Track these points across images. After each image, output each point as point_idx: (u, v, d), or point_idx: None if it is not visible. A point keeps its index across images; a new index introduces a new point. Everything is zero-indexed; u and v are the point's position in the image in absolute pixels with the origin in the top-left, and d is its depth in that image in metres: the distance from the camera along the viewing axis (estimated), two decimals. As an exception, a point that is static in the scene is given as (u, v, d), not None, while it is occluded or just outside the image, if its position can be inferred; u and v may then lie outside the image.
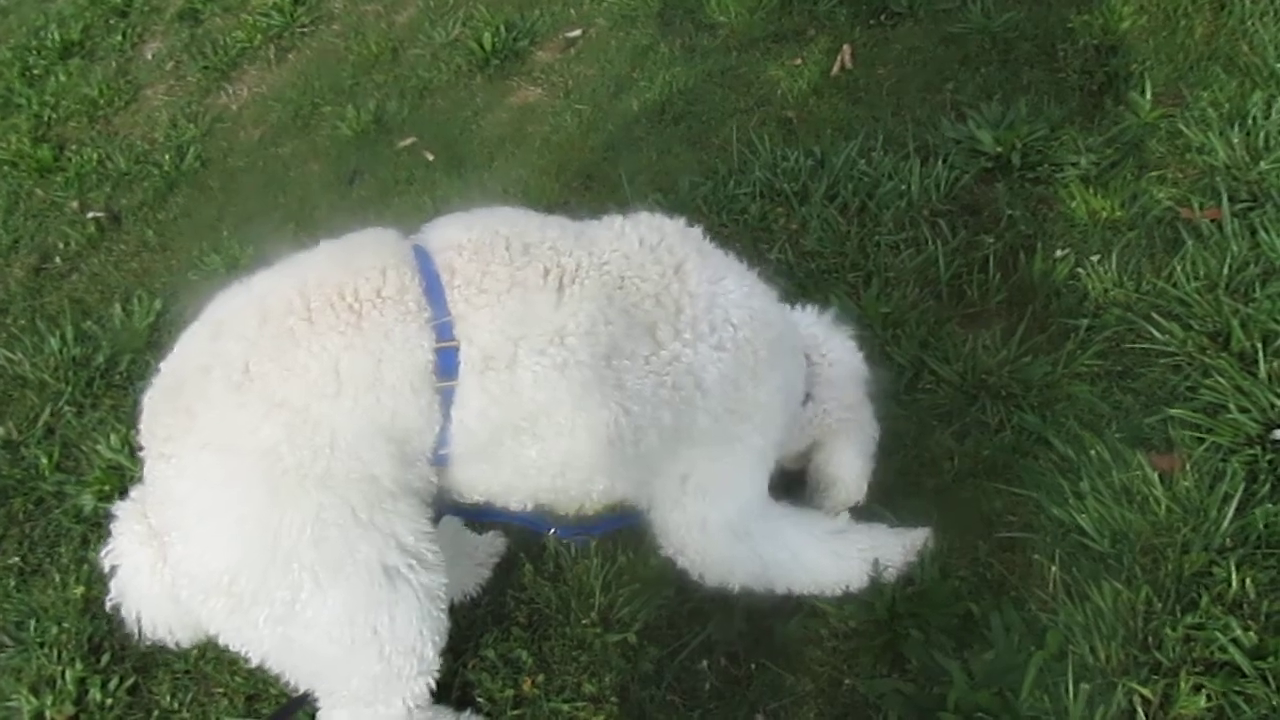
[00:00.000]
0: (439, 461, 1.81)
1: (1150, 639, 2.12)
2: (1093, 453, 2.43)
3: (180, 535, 1.70)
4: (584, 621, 2.42)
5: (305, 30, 4.67)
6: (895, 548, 2.32)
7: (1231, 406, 2.43)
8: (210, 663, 2.58)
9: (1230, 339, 2.55)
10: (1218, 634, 2.06)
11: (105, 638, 2.74)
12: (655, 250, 1.89)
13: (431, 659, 1.92)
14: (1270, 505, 2.24)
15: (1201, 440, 2.40)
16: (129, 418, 3.31)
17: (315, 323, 1.66)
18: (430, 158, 3.83)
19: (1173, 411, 2.46)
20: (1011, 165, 3.10)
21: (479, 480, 1.89)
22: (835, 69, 3.57)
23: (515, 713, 2.29)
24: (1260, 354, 2.48)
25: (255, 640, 1.77)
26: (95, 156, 4.49)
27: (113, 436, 3.21)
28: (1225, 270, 2.68)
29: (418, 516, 1.83)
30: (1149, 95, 3.19)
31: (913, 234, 2.99)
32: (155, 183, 4.21)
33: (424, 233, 1.87)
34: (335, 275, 1.70)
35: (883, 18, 3.71)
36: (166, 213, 4.08)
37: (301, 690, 1.97)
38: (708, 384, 1.88)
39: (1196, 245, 2.77)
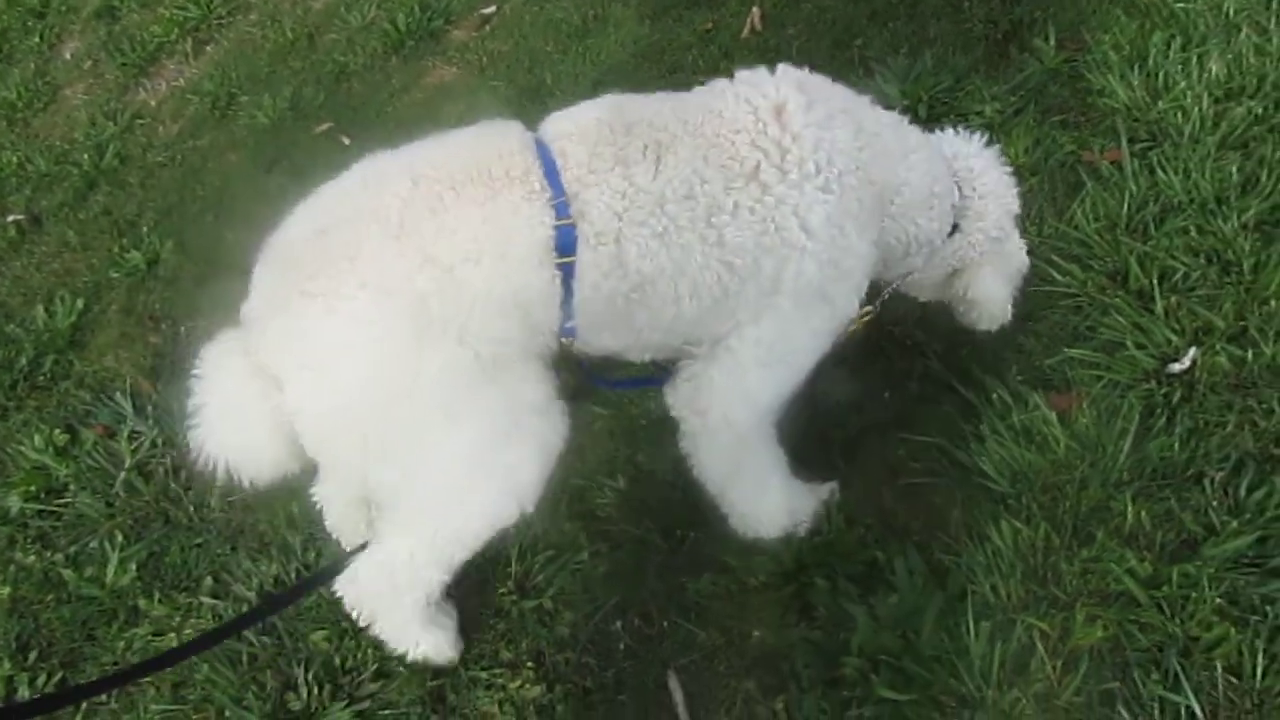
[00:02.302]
0: (567, 334, 1.97)
1: (1049, 574, 2.17)
2: (994, 396, 2.47)
3: (318, 370, 1.80)
4: (500, 590, 2.44)
5: (222, 21, 4.64)
6: (809, 501, 2.38)
7: (1129, 343, 2.48)
8: (136, 654, 2.59)
9: (1128, 278, 2.60)
10: (1113, 565, 2.10)
11: (33, 635, 2.74)
12: (750, 100, 1.99)
13: (529, 509, 2.06)
14: (1165, 438, 2.28)
15: (1100, 378, 2.45)
16: (53, 418, 3.31)
17: (460, 193, 1.81)
18: (347, 142, 3.82)
19: (1071, 351, 2.50)
20: (919, 116, 3.13)
21: (606, 342, 2.06)
22: (745, 32, 3.59)
23: (434, 682, 2.32)
24: (1156, 291, 2.53)
25: (377, 472, 1.91)
26: (14, 160, 4.45)
27: (37, 437, 3.20)
28: (1124, 210, 2.73)
29: (542, 378, 1.98)
30: (1052, 41, 3.23)
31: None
32: (75, 182, 4.19)
33: (540, 126, 2.03)
34: (475, 153, 1.87)
35: (788, -18, 3.72)
36: (87, 211, 4.06)
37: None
38: (814, 225, 1.95)
39: (1096, 187, 2.81)
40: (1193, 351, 2.41)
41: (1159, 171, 2.77)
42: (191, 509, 2.91)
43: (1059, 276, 2.65)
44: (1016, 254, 2.47)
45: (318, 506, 2.52)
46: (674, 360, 2.20)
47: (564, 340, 1.99)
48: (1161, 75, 3.00)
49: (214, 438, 1.92)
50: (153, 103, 4.47)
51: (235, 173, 3.94)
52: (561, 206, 1.85)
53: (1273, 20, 3.05)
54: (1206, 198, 2.68)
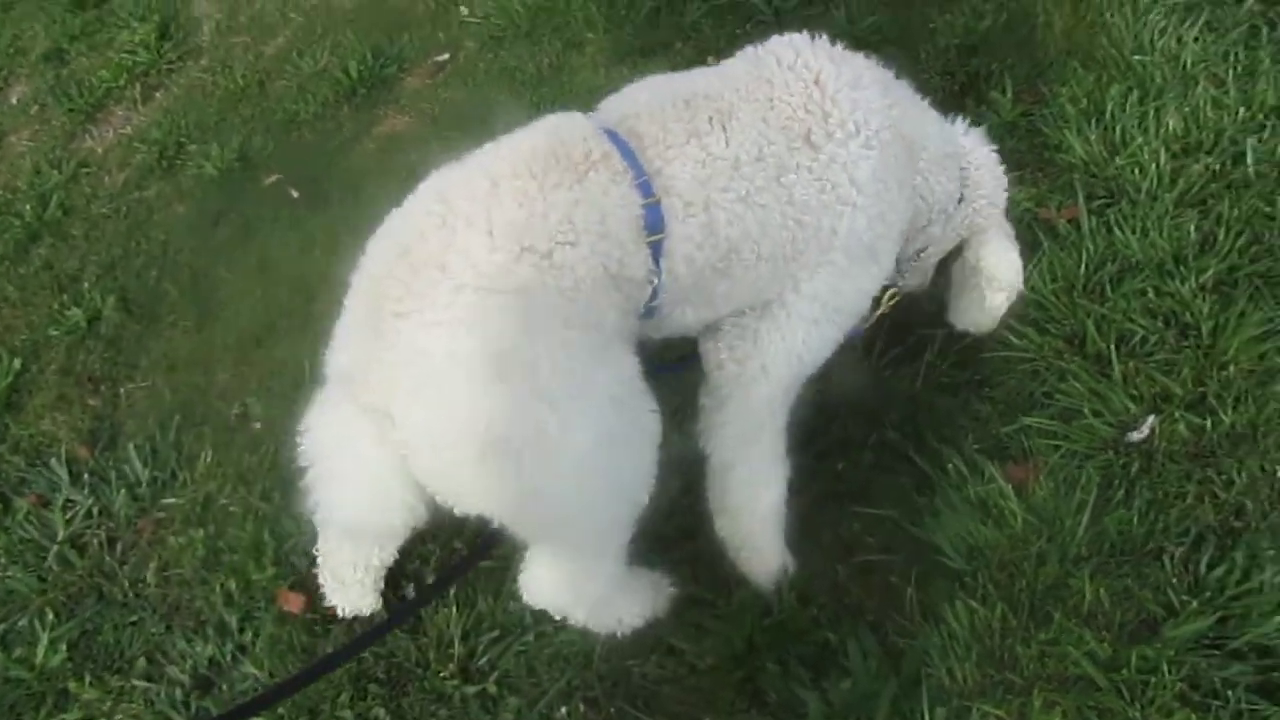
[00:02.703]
0: (648, 314, 1.99)
1: (1005, 657, 2.12)
2: (950, 467, 2.43)
3: (428, 390, 1.75)
4: (442, 674, 2.37)
5: (172, 67, 4.57)
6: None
7: (1086, 411, 2.44)
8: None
9: (1085, 341, 2.57)
10: (1071, 648, 2.06)
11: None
12: (794, 67, 2.04)
13: (642, 510, 2.05)
14: (1123, 512, 2.24)
15: (1057, 447, 2.41)
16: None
17: (542, 181, 1.80)
18: (295, 195, 3.75)
19: (1028, 420, 2.46)
20: (874, 172, 3.09)
21: (687, 319, 2.08)
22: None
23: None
24: (1114, 355, 2.50)
25: (500, 490, 1.83)
26: (-44, 211, 4.36)
27: (-30, 497, 3.11)
28: (1081, 270, 2.70)
29: (634, 359, 1.97)
30: (1009, 94, 3.21)
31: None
32: (16, 234, 4.09)
33: (594, 115, 2.03)
34: (548, 144, 1.85)
35: (748, 26, 3.70)
36: (28, 265, 3.96)
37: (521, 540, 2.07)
38: (861, 180, 2.02)
39: (1053, 246, 2.78)
40: (1151, 419, 2.38)
41: (1116, 230, 2.74)
42: (127, 584, 2.82)
43: (1015, 340, 2.61)
44: (1009, 230, 2.52)
45: (262, 584, 2.44)
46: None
47: (639, 321, 2.00)
48: (1119, 130, 2.98)
49: (340, 502, 1.92)
50: (99, 150, 4.39)
51: (181, 225, 3.86)
52: (645, 185, 1.87)
53: (1230, 73, 3.04)
54: (1164, 257, 2.65)
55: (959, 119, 2.46)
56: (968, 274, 2.51)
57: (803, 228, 2.01)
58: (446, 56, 4.10)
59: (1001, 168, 2.46)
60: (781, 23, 3.68)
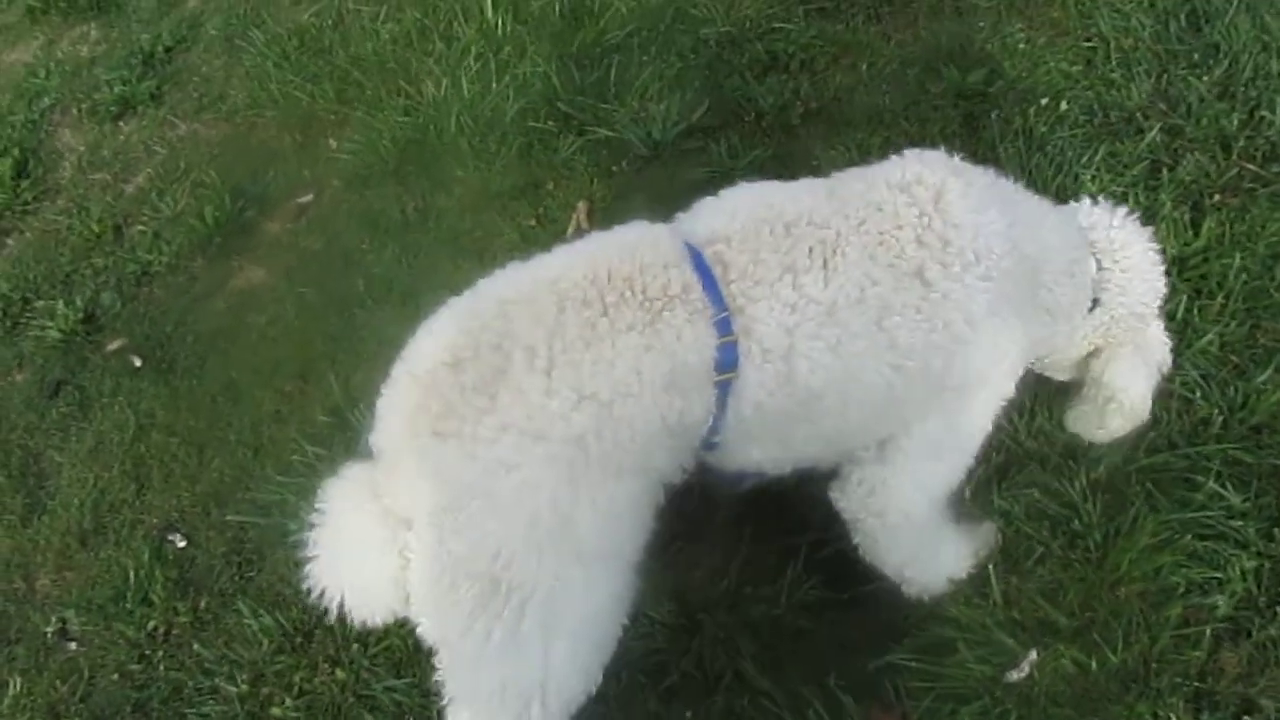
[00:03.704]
0: (707, 448, 1.90)
1: None
2: (810, 712, 2.18)
3: (456, 515, 1.67)
4: None
5: (28, 209, 4.34)
6: (972, 544, 2.32)
7: (961, 645, 2.20)
8: None
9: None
10: None
11: None
12: (909, 189, 1.91)
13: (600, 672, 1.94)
14: (998, 776, 2.00)
15: (929, 689, 2.17)
16: None
17: (613, 319, 1.71)
18: (138, 364, 3.52)
19: (896, 657, 2.22)
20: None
21: (755, 457, 1.97)
22: (570, 229, 3.34)
23: None
24: (993, 576, 2.26)
25: (482, 632, 1.73)
26: None
27: None
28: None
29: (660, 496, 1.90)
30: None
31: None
32: None
33: (685, 223, 1.94)
34: (624, 269, 1.76)
35: (624, 163, 3.50)
36: None
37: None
38: (977, 316, 1.89)
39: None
40: (1032, 655, 2.15)
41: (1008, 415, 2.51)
42: None
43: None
44: (1159, 344, 2.30)
45: None
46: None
47: (702, 453, 1.93)
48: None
49: (334, 574, 1.82)
50: (-57, 307, 4.14)
51: (18, 398, 3.61)
52: (724, 323, 1.77)
53: (1129, 217, 2.84)
54: (1052, 451, 2.43)
55: (1116, 208, 2.23)
56: (1090, 382, 2.31)
57: (902, 373, 1.88)
58: (310, 197, 3.89)
59: (1160, 268, 2.22)
60: (660, 157, 3.48)
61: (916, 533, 2.14)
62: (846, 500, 2.14)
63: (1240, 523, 2.26)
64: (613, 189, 3.44)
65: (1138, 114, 3.11)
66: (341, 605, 1.82)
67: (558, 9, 4.10)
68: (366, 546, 1.78)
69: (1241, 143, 2.96)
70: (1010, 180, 2.12)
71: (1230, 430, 2.41)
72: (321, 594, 1.83)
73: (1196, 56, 3.24)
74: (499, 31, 4.08)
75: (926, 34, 3.63)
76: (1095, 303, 2.18)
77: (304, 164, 4.03)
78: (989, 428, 2.11)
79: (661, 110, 3.58)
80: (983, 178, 2.00)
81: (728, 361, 1.77)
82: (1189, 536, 2.25)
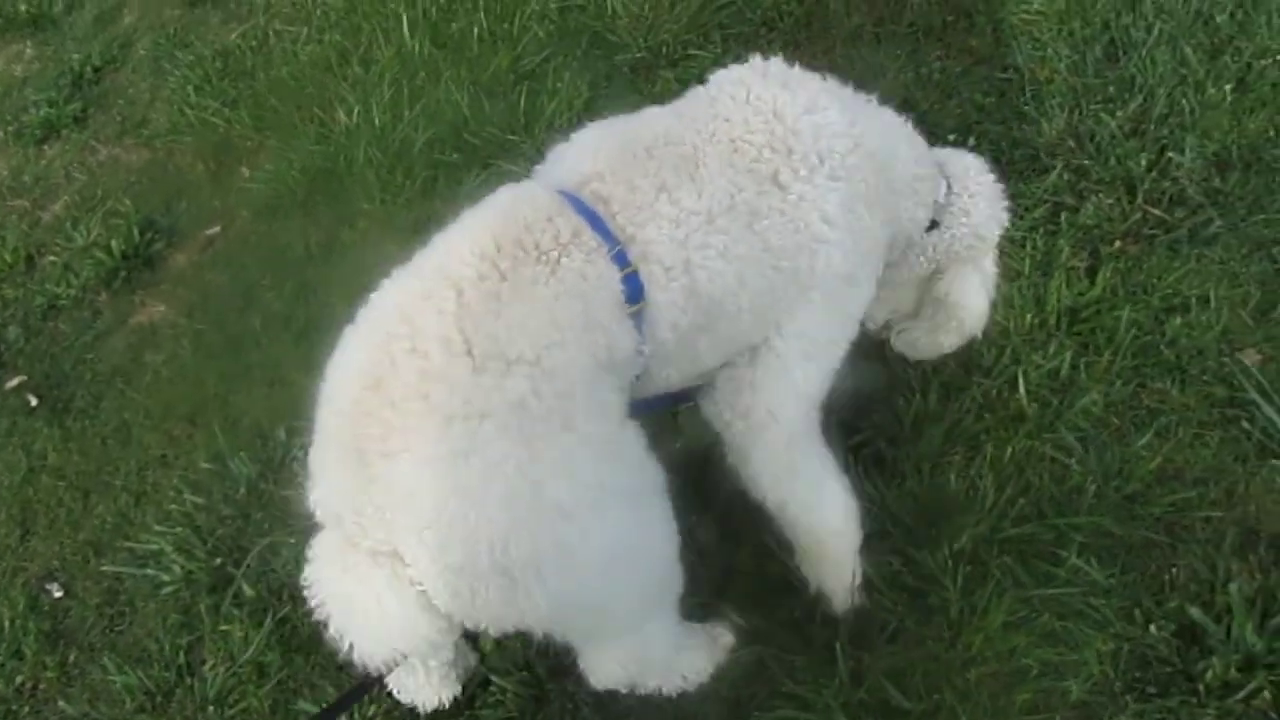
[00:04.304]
0: (636, 379, 1.93)
1: None
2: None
3: (437, 527, 1.65)
4: None
5: (-55, 235, 4.34)
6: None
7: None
8: None
9: (814, 620, 2.27)
10: None
11: None
12: (750, 101, 1.97)
13: (677, 567, 1.96)
14: None
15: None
16: None
17: (514, 281, 1.72)
18: (34, 403, 3.50)
19: (735, 740, 2.17)
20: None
21: (662, 381, 2.00)
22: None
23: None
24: (840, 654, 2.20)
25: (530, 609, 1.74)
26: None
27: None
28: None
29: (638, 437, 1.88)
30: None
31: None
32: None
33: (549, 172, 1.99)
34: (508, 233, 1.78)
35: (527, 198, 3.43)
36: None
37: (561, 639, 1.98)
38: (832, 214, 1.95)
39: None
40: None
41: (869, 480, 2.44)
42: None
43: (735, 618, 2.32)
44: (991, 270, 2.42)
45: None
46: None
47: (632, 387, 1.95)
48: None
49: (365, 640, 1.78)
50: None
51: (-84, 435, 3.60)
52: (620, 256, 1.80)
53: (1027, 263, 2.77)
54: (916, 519, 2.36)
55: (961, 149, 2.39)
56: (928, 302, 2.42)
57: (780, 272, 1.94)
58: (218, 229, 3.86)
59: (1004, 200, 2.35)
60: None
61: (787, 440, 2.10)
62: (714, 404, 2.13)
63: (1102, 600, 2.19)
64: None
65: (1044, 153, 3.03)
66: (391, 664, 1.81)
67: (476, 32, 4.05)
68: (378, 597, 1.74)
69: (1147, 185, 2.87)
70: (846, 87, 2.15)
71: (1103, 499, 2.34)
72: (367, 666, 1.80)
73: (1112, 90, 3.15)
74: (416, 54, 4.04)
75: (843, 61, 3.55)
76: (934, 224, 2.28)
77: (216, 193, 4.00)
78: (854, 330, 2.16)
79: (569, 142, 3.52)
80: (813, 82, 2.06)
81: (635, 293, 1.81)
82: (1047, 615, 2.18)
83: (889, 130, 2.16)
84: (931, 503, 2.37)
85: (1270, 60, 3.10)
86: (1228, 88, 3.03)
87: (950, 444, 2.49)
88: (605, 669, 2.11)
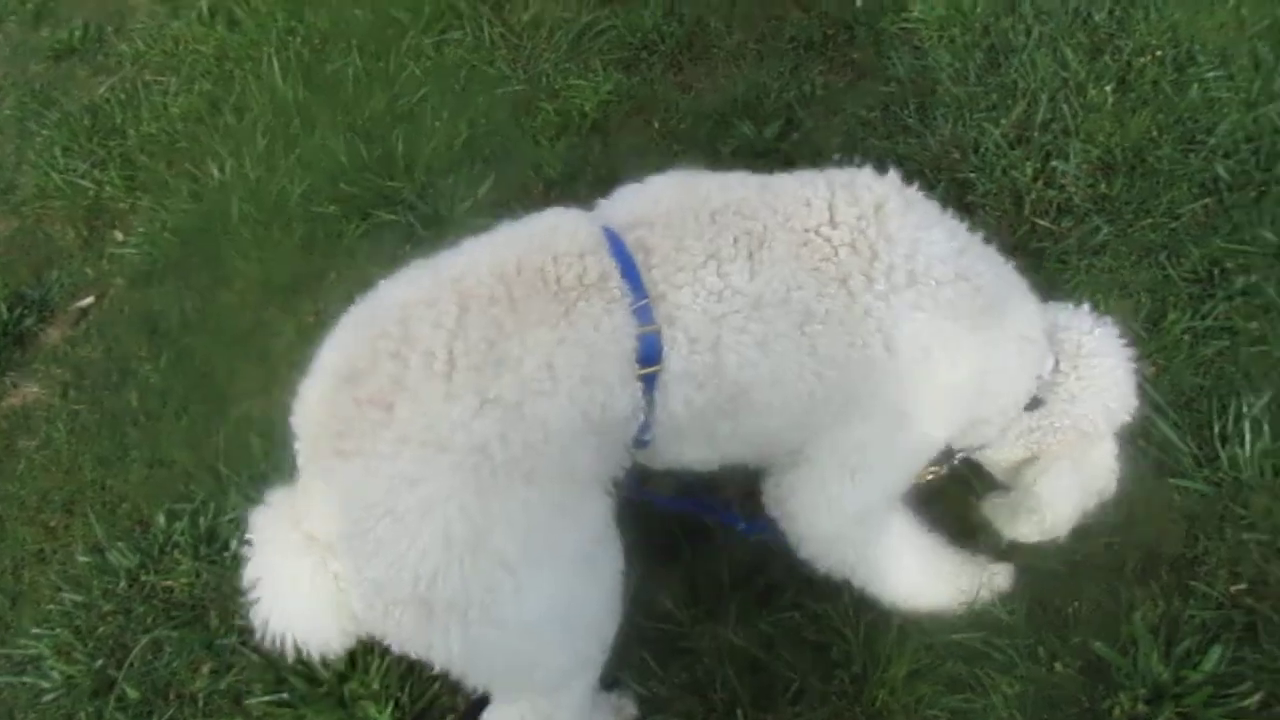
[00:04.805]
0: (639, 446, 1.83)
1: None
2: None
3: (364, 541, 1.61)
4: None
5: None
6: (975, 577, 2.21)
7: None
8: None
9: (716, 686, 2.20)
10: None
11: None
12: (848, 189, 1.83)
13: (610, 640, 1.91)
14: None
15: None
16: None
17: (522, 314, 1.64)
18: (-99, 502, 3.33)
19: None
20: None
21: (686, 456, 1.92)
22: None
23: None
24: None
25: (442, 646, 1.69)
26: None
27: None
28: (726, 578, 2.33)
29: (608, 505, 1.82)
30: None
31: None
32: None
33: (605, 209, 1.87)
34: (534, 259, 1.69)
35: (409, 247, 3.33)
36: None
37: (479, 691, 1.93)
38: (898, 343, 1.79)
39: (692, 551, 2.41)
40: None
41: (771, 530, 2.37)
42: None
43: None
44: (1104, 469, 2.17)
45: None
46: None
47: (634, 451, 1.85)
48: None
49: (277, 613, 1.76)
50: None
51: None
52: (644, 311, 1.70)
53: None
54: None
55: (1094, 313, 2.12)
56: (1019, 486, 2.19)
57: (823, 381, 1.81)
58: (91, 300, 3.70)
59: (1128, 389, 2.10)
60: (446, 237, 3.28)
61: (832, 544, 2.07)
62: (767, 497, 2.08)
63: (1006, 641, 2.15)
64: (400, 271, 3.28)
65: (929, 168, 2.99)
66: (292, 642, 1.77)
67: (351, 73, 3.94)
68: (296, 579, 1.72)
69: (1034, 195, 2.85)
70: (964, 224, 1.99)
71: (1004, 532, 2.29)
72: (271, 637, 1.77)
73: (995, 98, 3.13)
74: (290, 100, 3.91)
75: (725, 82, 3.50)
76: (1037, 401, 2.06)
77: (89, 260, 3.82)
78: (913, 466, 2.03)
79: (449, 184, 3.43)
80: (936, 208, 1.93)
81: (650, 353, 1.71)
82: (951, 660, 2.14)
83: (1003, 277, 1.97)
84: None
85: (1149, 57, 3.09)
86: (1109, 88, 3.02)
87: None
88: None
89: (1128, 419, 2.13)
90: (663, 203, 1.81)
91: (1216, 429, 2.36)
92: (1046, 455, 2.12)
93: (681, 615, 2.28)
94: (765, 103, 3.33)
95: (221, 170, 3.76)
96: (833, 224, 1.79)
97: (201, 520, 2.86)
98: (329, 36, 4.19)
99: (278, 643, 1.77)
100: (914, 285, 1.78)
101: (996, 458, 2.20)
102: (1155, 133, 2.91)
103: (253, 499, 2.78)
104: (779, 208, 1.80)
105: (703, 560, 2.38)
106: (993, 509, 2.26)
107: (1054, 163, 2.88)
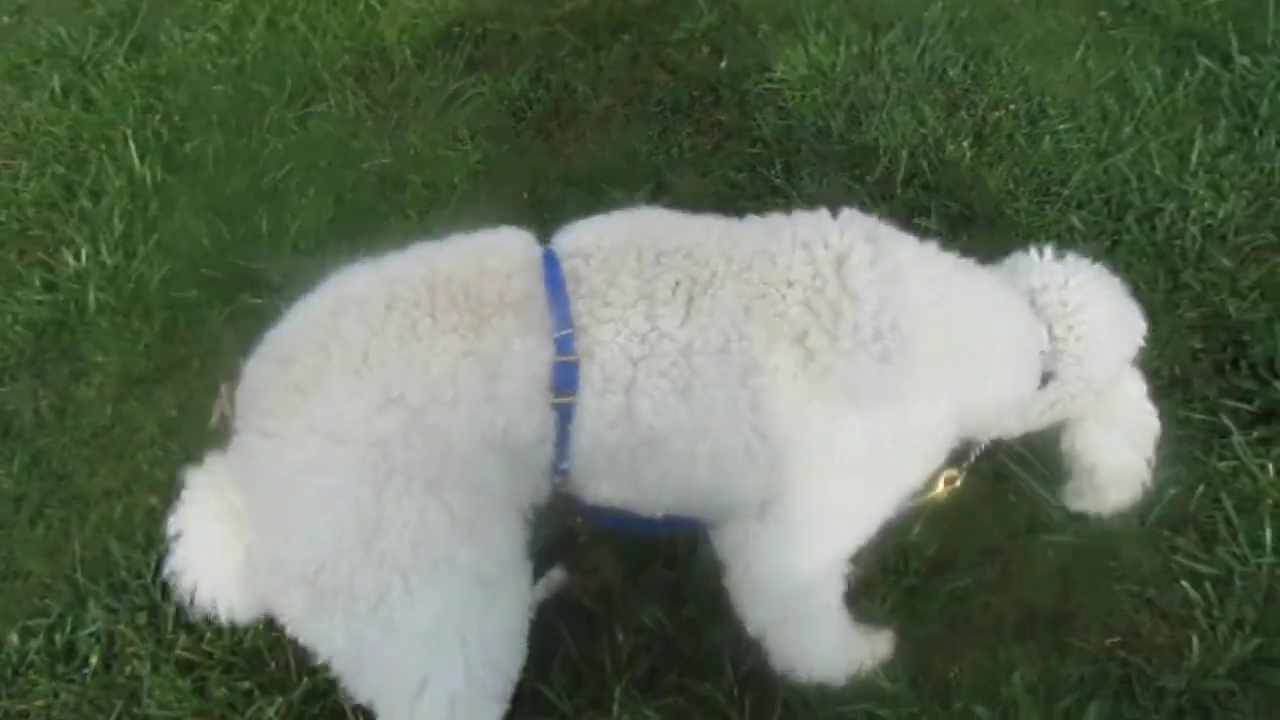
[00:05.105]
0: (561, 474, 1.81)
1: None
2: None
3: (268, 518, 1.69)
4: None
5: None
6: (864, 646, 2.19)
7: None
8: None
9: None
10: None
11: None
12: (809, 246, 1.79)
13: (514, 680, 1.91)
14: None
15: None
16: None
17: (437, 320, 1.67)
18: None
19: None
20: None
21: (605, 493, 1.88)
22: (214, 419, 3.05)
23: None
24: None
25: (327, 636, 1.75)
26: None
27: None
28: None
29: (520, 531, 1.83)
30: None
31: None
32: None
33: (560, 235, 1.87)
34: (463, 272, 1.71)
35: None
36: None
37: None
38: (864, 400, 1.76)
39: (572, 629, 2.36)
40: None
41: (649, 609, 2.34)
42: None
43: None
44: (1133, 406, 2.11)
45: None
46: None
47: (556, 480, 1.83)
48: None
49: (189, 569, 1.79)
50: None
51: None
52: (564, 341, 1.69)
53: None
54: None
55: (1070, 257, 2.06)
56: (1068, 456, 2.16)
57: (766, 440, 1.77)
58: (-56, 402, 3.51)
59: (1128, 321, 2.05)
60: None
61: (789, 592, 2.02)
62: (720, 541, 2.03)
63: (889, 711, 2.14)
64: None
65: (796, 229, 3.01)
66: (198, 601, 1.80)
67: (211, 151, 3.84)
68: (210, 543, 1.77)
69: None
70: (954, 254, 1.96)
71: (886, 599, 2.30)
72: (183, 591, 1.80)
73: (858, 156, 3.18)
74: (148, 182, 3.80)
75: (595, 148, 3.51)
76: (1049, 376, 2.01)
77: (-64, 358, 3.65)
78: (886, 513, 1.97)
79: (316, 264, 3.33)
80: (909, 249, 1.88)
81: (567, 383, 1.71)
82: (839, 733, 2.12)
83: (982, 304, 1.93)
84: (713, 630, 2.28)
85: (1004, 111, 3.19)
86: (965, 144, 3.10)
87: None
88: None
89: (1141, 343, 2.08)
90: (610, 236, 1.80)
91: (1085, 480, 2.40)
92: (1074, 421, 2.11)
93: (565, 707, 2.22)
94: (635, 167, 3.34)
95: (77, 258, 3.61)
96: (790, 280, 1.76)
97: (58, 636, 2.71)
98: (188, 114, 4.09)
99: (188, 598, 1.80)
100: (879, 341, 1.74)
101: (1015, 433, 2.16)
102: (1012, 185, 2.99)
103: (113, 610, 2.69)
104: (735, 256, 1.78)
105: (583, 646, 2.33)
106: (1074, 495, 2.21)
107: (917, 220, 2.93)
